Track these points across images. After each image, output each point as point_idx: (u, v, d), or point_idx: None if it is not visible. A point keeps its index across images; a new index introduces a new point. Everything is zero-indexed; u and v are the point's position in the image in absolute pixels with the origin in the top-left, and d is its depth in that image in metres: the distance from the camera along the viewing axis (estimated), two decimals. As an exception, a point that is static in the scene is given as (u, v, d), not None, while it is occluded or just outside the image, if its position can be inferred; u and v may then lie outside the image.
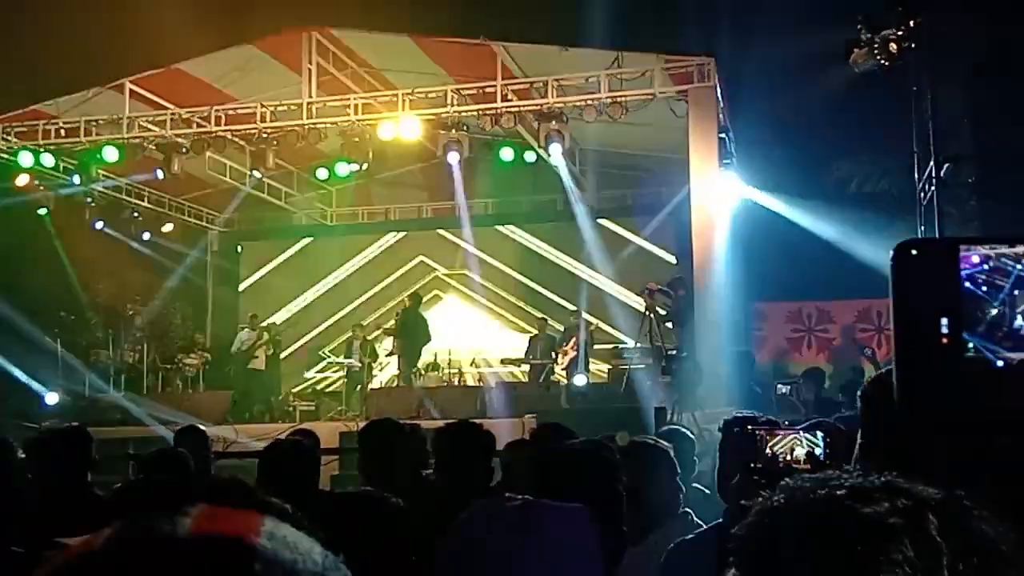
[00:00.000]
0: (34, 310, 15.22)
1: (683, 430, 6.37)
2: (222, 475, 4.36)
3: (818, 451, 2.53)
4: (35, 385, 14.69)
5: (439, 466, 4.29)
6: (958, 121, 10.99)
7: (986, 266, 1.12)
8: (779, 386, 11.29)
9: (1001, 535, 0.89)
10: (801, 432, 2.63)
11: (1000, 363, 1.11)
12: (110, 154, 14.80)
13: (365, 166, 15.18)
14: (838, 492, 0.91)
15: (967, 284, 1.11)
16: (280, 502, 1.34)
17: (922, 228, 11.30)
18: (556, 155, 14.25)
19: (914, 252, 1.10)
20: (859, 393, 1.92)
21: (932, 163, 10.88)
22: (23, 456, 4.27)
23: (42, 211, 15.98)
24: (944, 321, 1.06)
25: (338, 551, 0.76)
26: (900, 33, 10.60)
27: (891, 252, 1.12)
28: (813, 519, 0.89)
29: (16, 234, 15.46)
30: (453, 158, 14.60)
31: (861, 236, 14.26)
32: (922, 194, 11.35)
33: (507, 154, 15.42)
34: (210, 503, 0.72)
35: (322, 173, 17.11)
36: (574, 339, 15.02)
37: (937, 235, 10.58)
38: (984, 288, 1.12)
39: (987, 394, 1.10)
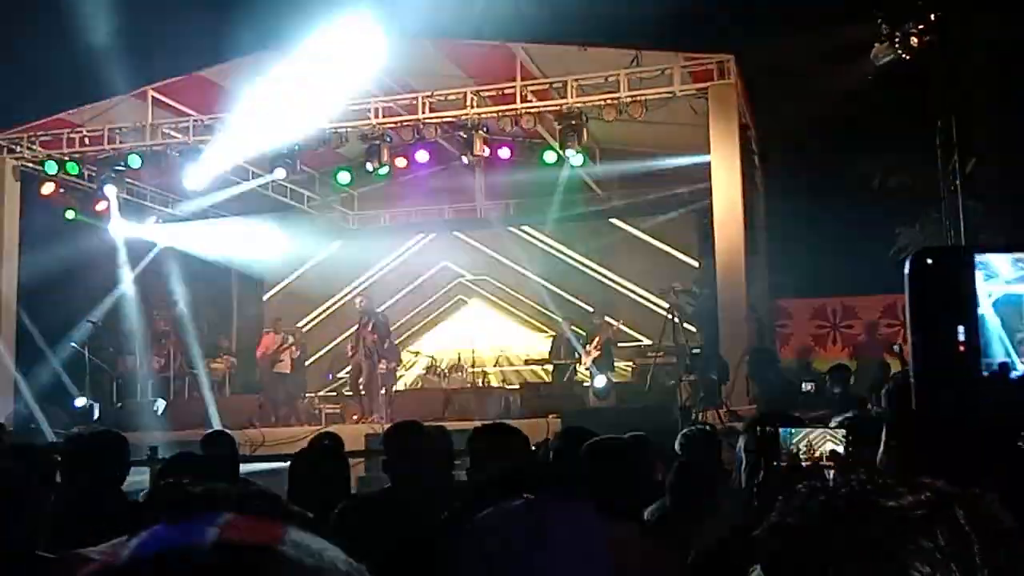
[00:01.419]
0: (62, 316, 15.40)
1: (708, 428, 6.37)
2: (246, 484, 4.38)
3: (840, 448, 2.53)
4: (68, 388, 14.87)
5: (473, 467, 4.29)
6: (981, 115, 10.92)
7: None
8: (804, 384, 11.25)
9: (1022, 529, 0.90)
10: (824, 429, 2.63)
11: (1020, 372, 1.12)
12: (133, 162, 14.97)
13: (386, 169, 15.20)
14: (861, 488, 0.92)
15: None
16: (303, 511, 1.35)
17: (946, 223, 11.23)
18: (574, 157, 14.24)
19: (930, 261, 1.10)
20: (884, 391, 1.91)
21: (956, 158, 10.81)
22: (59, 459, 4.33)
23: (70, 214, 16.07)
24: (961, 329, 1.06)
25: (362, 557, 0.77)
26: (921, 27, 10.53)
27: (908, 261, 1.12)
28: (837, 515, 0.90)
29: (42, 241, 15.60)
30: (473, 161, 14.66)
31: (885, 232, 14.18)
32: (946, 189, 11.27)
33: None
34: (235, 512, 0.73)
35: (344, 177, 17.13)
36: (597, 339, 15.00)
37: (962, 230, 10.50)
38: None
39: (1005, 402, 1.10)
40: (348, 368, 15.67)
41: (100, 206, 16.12)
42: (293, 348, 16.84)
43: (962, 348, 1.09)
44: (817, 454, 2.54)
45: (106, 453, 4.44)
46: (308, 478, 4.15)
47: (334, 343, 18.54)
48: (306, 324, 18.78)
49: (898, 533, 0.87)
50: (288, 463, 4.36)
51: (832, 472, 2.42)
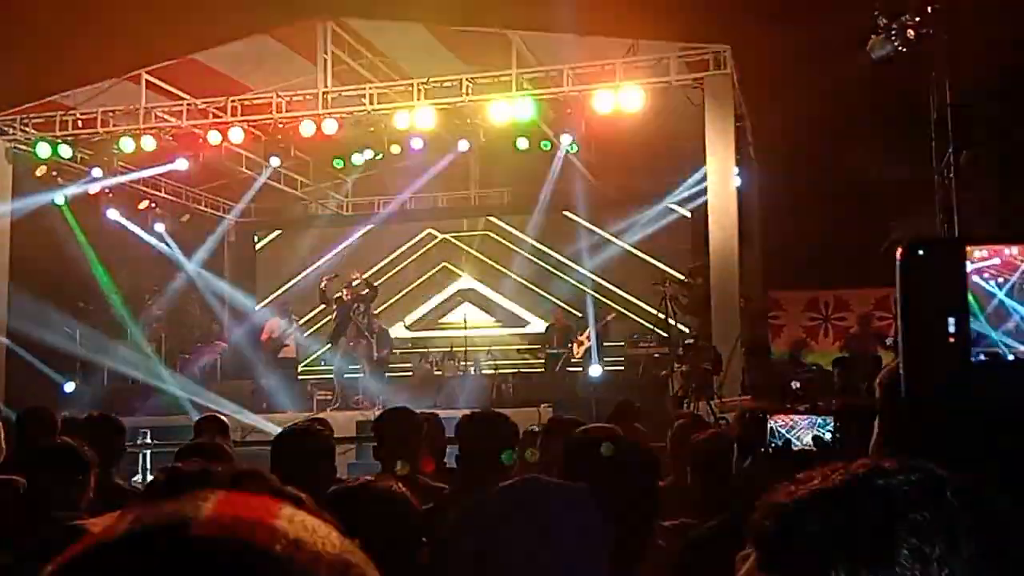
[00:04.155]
0: (53, 300, 15.37)
1: (700, 418, 6.40)
2: (239, 464, 4.39)
3: (827, 436, 2.55)
4: (54, 374, 14.86)
5: (462, 454, 4.29)
6: (976, 107, 10.92)
7: (997, 260, 1.13)
8: (793, 382, 11.21)
9: (1012, 513, 0.92)
10: (812, 418, 2.65)
11: (1011, 357, 1.12)
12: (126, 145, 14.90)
13: (380, 155, 15.19)
14: (855, 471, 0.94)
15: (976, 279, 1.12)
16: (295, 490, 1.37)
17: (940, 216, 11.25)
18: (568, 144, 14.24)
19: (921, 252, 1.11)
20: (876, 382, 1.92)
21: (950, 150, 10.83)
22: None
23: (60, 199, 16.03)
24: (951, 320, 1.07)
25: (353, 537, 0.78)
26: (917, 19, 10.53)
27: (898, 251, 1.13)
28: (832, 494, 0.92)
29: (34, 224, 15.56)
30: (467, 147, 14.65)
31: (879, 224, 14.20)
32: (940, 182, 11.29)
33: (523, 143, 15.35)
34: (230, 490, 0.74)
35: (338, 163, 17.10)
36: (590, 328, 15.02)
37: (956, 222, 10.53)
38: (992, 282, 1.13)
39: (998, 388, 1.11)
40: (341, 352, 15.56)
41: (92, 189, 16.10)
42: (296, 334, 16.80)
43: (952, 339, 1.10)
44: (805, 442, 2.57)
45: (99, 436, 4.45)
46: (290, 461, 4.14)
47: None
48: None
49: (892, 509, 0.89)
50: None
51: (819, 458, 2.44)
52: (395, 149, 15.90)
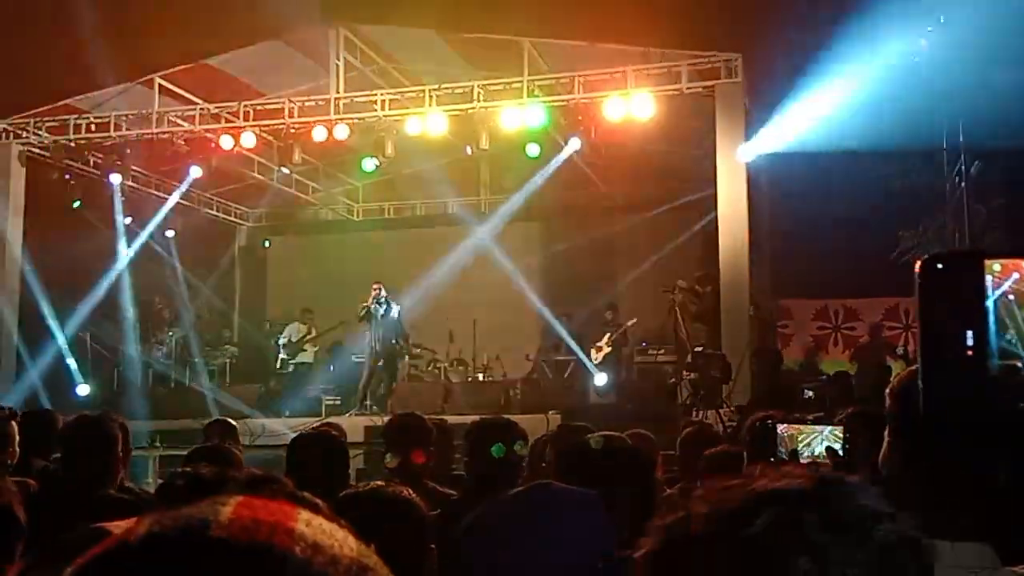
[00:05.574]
0: (65, 304, 15.43)
1: (709, 427, 6.39)
2: (255, 469, 4.39)
3: (838, 446, 2.55)
4: (72, 375, 14.92)
5: (471, 460, 4.29)
6: (986, 117, 10.90)
7: (1016, 275, 1.13)
8: (805, 391, 11.19)
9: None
10: (822, 428, 2.65)
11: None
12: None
13: (391, 161, 15.20)
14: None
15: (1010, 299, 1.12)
16: (311, 496, 1.37)
17: (951, 226, 11.23)
18: (576, 149, 14.24)
19: (940, 266, 1.11)
20: (888, 390, 1.92)
21: (961, 160, 10.81)
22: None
23: (76, 204, 16.11)
24: (969, 334, 1.07)
25: (368, 542, 0.78)
26: (929, 29, 10.53)
27: (917, 266, 1.13)
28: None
29: (50, 228, 15.62)
30: (477, 153, 14.67)
31: (889, 233, 14.18)
32: (950, 192, 11.27)
33: (533, 150, 15.32)
34: (247, 495, 0.75)
35: (348, 168, 17.13)
36: (607, 335, 14.97)
37: (966, 231, 10.50)
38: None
39: (1017, 401, 1.11)
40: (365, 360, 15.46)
41: (105, 193, 16.16)
42: (317, 339, 16.80)
43: (970, 353, 1.10)
44: (817, 452, 2.56)
45: (107, 438, 4.45)
46: (306, 465, 4.16)
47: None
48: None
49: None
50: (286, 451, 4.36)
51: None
52: (406, 155, 15.91)
